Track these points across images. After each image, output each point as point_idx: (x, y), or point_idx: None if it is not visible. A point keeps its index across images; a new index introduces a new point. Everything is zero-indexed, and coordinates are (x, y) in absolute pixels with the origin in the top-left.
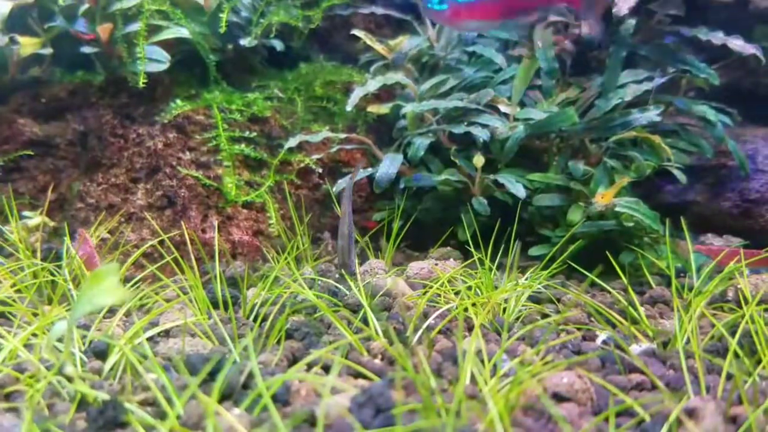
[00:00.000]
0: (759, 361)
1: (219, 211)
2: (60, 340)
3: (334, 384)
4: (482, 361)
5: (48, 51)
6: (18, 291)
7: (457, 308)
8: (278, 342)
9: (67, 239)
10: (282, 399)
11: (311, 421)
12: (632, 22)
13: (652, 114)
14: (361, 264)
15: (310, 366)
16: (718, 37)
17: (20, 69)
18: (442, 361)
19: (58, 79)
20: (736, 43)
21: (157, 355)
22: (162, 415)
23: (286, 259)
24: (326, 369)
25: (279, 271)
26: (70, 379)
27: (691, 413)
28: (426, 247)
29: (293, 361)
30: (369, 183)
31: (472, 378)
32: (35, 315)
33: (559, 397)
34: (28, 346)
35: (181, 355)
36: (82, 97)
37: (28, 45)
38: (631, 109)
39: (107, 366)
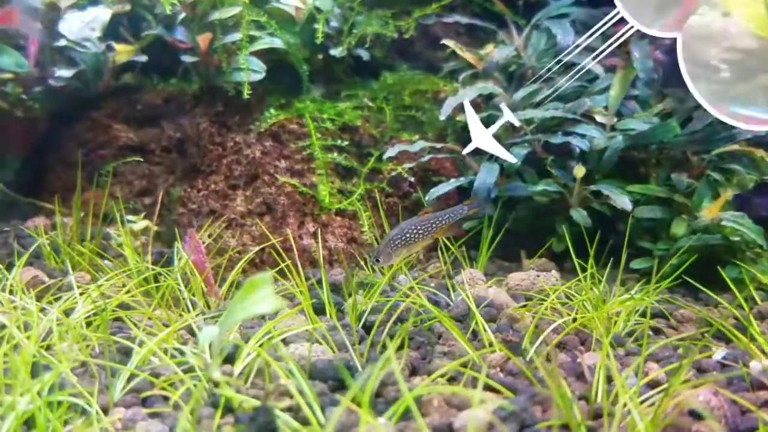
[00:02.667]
0: None
1: (314, 218)
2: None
3: (476, 396)
4: (609, 380)
5: (143, 58)
6: (129, 293)
7: (571, 322)
8: (396, 350)
9: (178, 243)
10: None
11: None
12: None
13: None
14: (456, 274)
15: (429, 373)
16: None
17: (114, 75)
18: (565, 376)
19: (152, 86)
20: None
21: (279, 360)
22: (304, 421)
23: (382, 268)
24: (449, 380)
25: (373, 279)
26: (216, 384)
27: None
28: (517, 257)
29: (412, 370)
30: (457, 192)
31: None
32: (149, 318)
33: (695, 415)
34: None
35: (307, 361)
36: (176, 104)
37: (123, 52)
38: None
39: (236, 370)
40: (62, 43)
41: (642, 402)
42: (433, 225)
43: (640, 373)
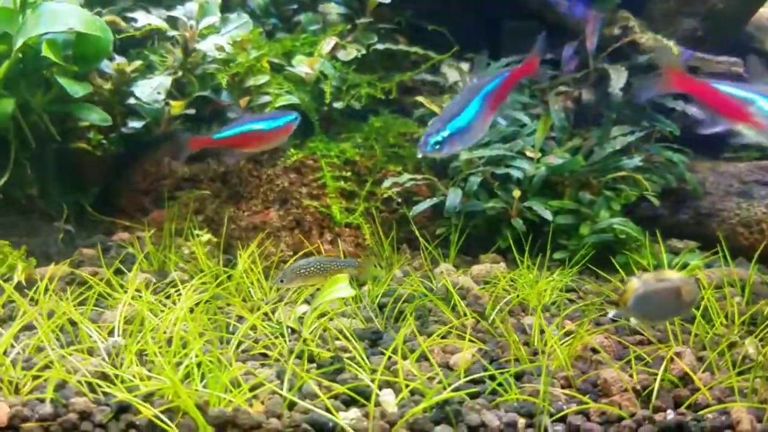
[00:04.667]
0: None
1: (330, 230)
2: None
3: (465, 344)
4: (542, 332)
5: (191, 111)
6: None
7: (516, 297)
8: (402, 320)
9: (239, 250)
10: (424, 356)
11: (447, 367)
12: (620, 93)
13: (636, 161)
14: (434, 267)
15: (429, 335)
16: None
17: (168, 123)
18: (515, 331)
19: (198, 131)
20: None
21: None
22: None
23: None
24: (442, 337)
25: (380, 273)
26: (305, 341)
27: (678, 355)
28: (474, 254)
29: (420, 333)
30: (432, 209)
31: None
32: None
33: (595, 350)
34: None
35: (348, 329)
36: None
37: (176, 106)
38: (621, 155)
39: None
40: (132, 101)
41: (562, 344)
42: (328, 267)
43: (560, 327)
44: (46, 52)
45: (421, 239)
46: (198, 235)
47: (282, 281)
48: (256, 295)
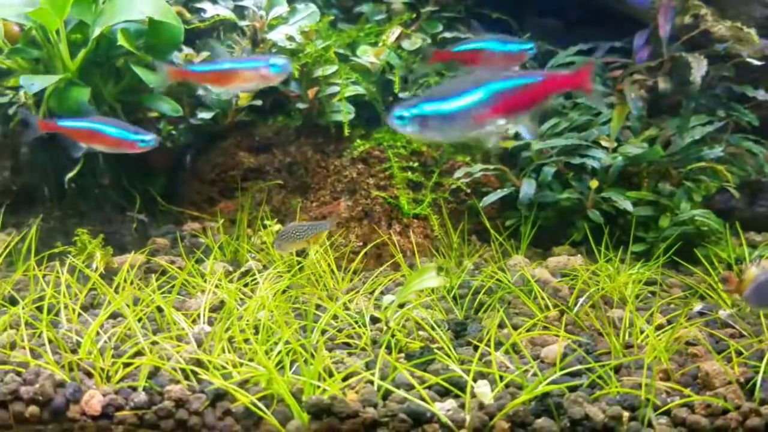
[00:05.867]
0: None
1: (399, 221)
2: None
3: (561, 334)
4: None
5: (258, 102)
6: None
7: (599, 290)
8: (483, 311)
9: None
10: (511, 348)
11: (538, 359)
12: (699, 82)
13: (717, 151)
14: (506, 258)
15: (515, 327)
16: (757, 93)
17: (234, 114)
18: (601, 324)
19: (263, 122)
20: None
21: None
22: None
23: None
24: (528, 330)
25: (447, 264)
26: (391, 330)
27: None
28: (544, 246)
29: (500, 325)
30: (499, 199)
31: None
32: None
33: (690, 343)
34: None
35: (431, 318)
36: (284, 136)
37: (244, 98)
38: (701, 146)
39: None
40: (201, 92)
41: (656, 337)
42: (308, 231)
43: (650, 320)
44: (121, 41)
45: (491, 231)
46: (269, 225)
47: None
48: (328, 285)
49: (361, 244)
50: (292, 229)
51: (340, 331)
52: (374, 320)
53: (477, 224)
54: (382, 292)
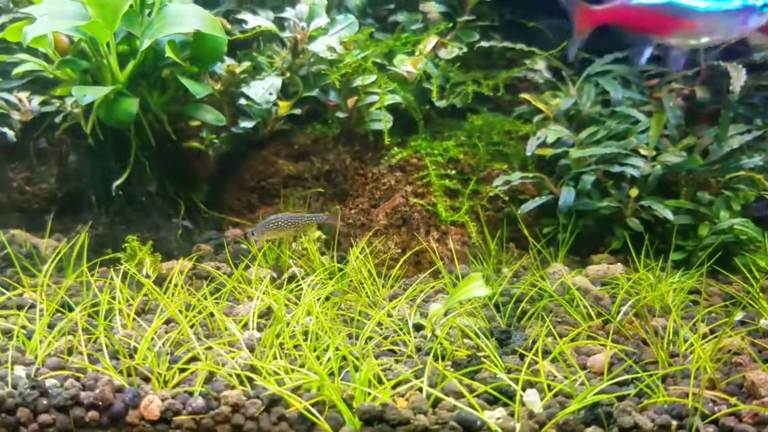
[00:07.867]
0: None
1: (437, 228)
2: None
3: (608, 343)
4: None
5: (298, 111)
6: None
7: (642, 299)
8: (527, 320)
9: (354, 248)
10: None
11: (584, 368)
12: (738, 91)
13: (757, 160)
14: (545, 266)
15: (559, 336)
16: None
17: (274, 123)
18: (647, 334)
19: (301, 130)
20: None
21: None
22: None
23: (490, 263)
24: (572, 340)
25: (485, 272)
26: (437, 337)
27: None
28: (581, 253)
29: (547, 334)
30: (537, 207)
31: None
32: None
33: (735, 352)
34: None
35: (474, 326)
36: (322, 144)
37: (284, 107)
38: (740, 154)
39: (428, 334)
40: (243, 101)
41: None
42: (298, 221)
43: (693, 330)
44: (169, 53)
45: (530, 238)
46: (309, 232)
47: (253, 234)
48: (369, 292)
49: (399, 251)
50: (274, 219)
51: (385, 338)
52: (417, 327)
53: (514, 232)
54: (424, 300)
